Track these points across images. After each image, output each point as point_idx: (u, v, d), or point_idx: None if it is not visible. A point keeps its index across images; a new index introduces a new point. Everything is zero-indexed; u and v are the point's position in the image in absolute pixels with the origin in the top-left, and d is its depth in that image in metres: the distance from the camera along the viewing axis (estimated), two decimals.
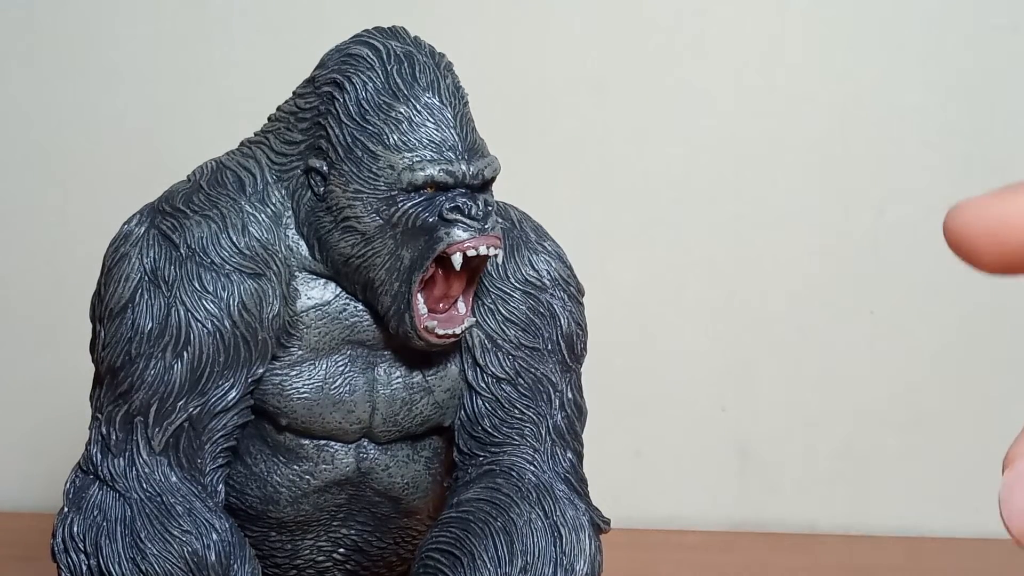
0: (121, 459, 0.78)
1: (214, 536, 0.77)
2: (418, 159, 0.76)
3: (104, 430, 0.79)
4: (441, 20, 1.20)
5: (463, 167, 0.76)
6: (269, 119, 0.82)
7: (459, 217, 0.76)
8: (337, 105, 0.77)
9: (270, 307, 0.79)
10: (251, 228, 0.79)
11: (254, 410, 0.80)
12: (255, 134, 0.82)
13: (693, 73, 1.25)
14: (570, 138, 1.26)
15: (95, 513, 0.78)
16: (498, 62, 1.23)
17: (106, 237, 0.81)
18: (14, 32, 1.26)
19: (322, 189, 0.78)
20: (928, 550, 1.24)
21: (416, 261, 0.77)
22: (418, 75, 0.77)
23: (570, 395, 0.84)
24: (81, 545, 0.78)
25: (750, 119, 1.25)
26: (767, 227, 1.26)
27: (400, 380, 0.81)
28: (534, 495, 0.80)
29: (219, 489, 0.81)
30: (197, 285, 0.78)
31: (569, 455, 0.83)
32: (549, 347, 0.83)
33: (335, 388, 0.80)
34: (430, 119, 0.76)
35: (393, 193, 0.77)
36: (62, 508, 0.79)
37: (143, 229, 0.79)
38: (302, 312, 0.80)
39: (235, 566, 0.78)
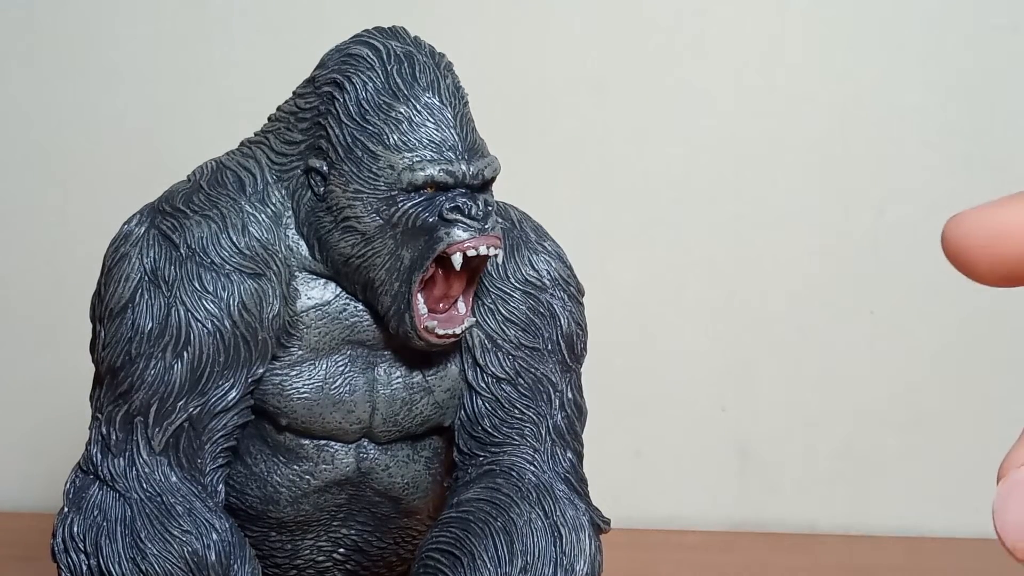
0: (121, 459, 0.78)
1: (214, 536, 0.77)
2: (418, 159, 0.76)
3: (104, 430, 0.79)
4: (441, 20, 1.20)
5: (463, 167, 0.76)
6: (269, 119, 0.82)
7: (459, 217, 0.76)
8: (337, 105, 0.77)
9: (270, 307, 0.79)
10: (251, 228, 0.79)
11: (254, 410, 0.80)
12: (255, 134, 0.82)
13: (693, 73, 1.25)
14: (570, 138, 1.26)
15: (95, 513, 0.78)
16: (498, 62, 1.23)
17: (106, 237, 0.81)
18: (14, 32, 1.26)
19: (322, 189, 0.78)
20: (928, 550, 1.24)
21: (416, 261, 0.77)
22: (418, 75, 0.77)
23: (570, 395, 0.84)
24: (81, 545, 0.78)
25: (750, 119, 1.25)
26: (767, 227, 1.26)
27: (400, 380, 0.81)
28: (534, 495, 0.80)
29: (219, 489, 0.81)
30: (197, 285, 0.78)
31: (569, 455, 0.83)
32: (549, 347, 0.83)
33: (335, 388, 0.80)
34: (430, 119, 0.76)
35: (393, 193, 0.77)
36: (62, 508, 0.79)
37: (143, 229, 0.79)
38: (302, 312, 0.80)
39: (235, 566, 0.78)
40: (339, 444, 0.81)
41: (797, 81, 1.25)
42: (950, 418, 1.27)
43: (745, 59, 1.25)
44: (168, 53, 1.26)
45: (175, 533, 0.77)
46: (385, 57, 0.77)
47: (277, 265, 0.79)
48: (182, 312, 0.78)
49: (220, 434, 0.79)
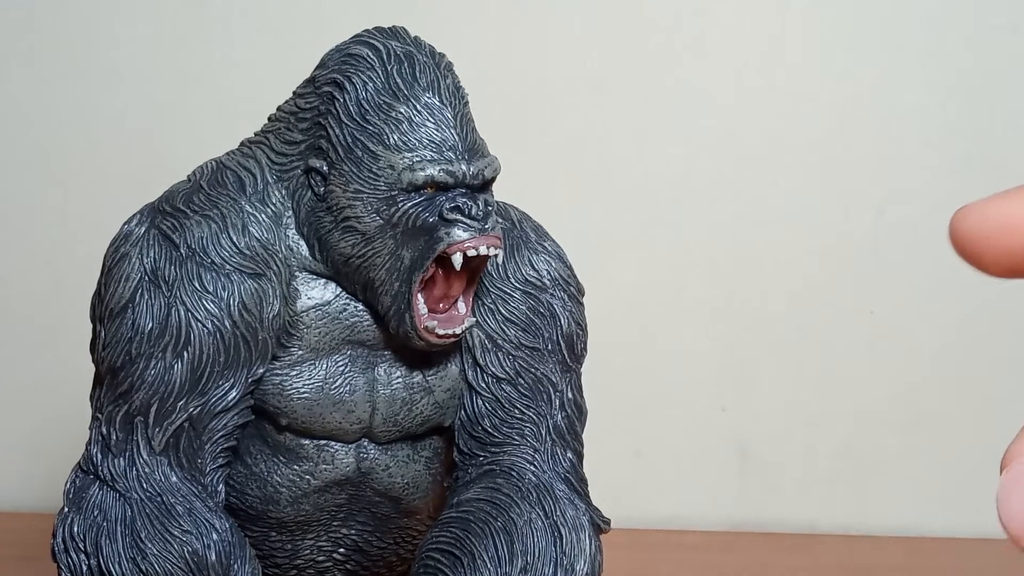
0: (121, 459, 0.78)
1: (214, 536, 0.77)
2: (418, 159, 0.76)
3: (104, 430, 0.79)
4: (441, 20, 1.20)
5: (463, 167, 0.76)
6: (269, 119, 0.82)
7: (459, 217, 0.76)
8: (337, 105, 0.77)
9: (270, 307, 0.79)
10: (251, 228, 0.79)
11: (254, 410, 0.80)
12: (255, 134, 0.82)
13: (693, 73, 1.25)
14: (570, 138, 1.26)
15: (95, 513, 0.78)
16: (498, 62, 1.23)
17: (106, 237, 0.81)
18: (14, 32, 1.26)
19: (322, 189, 0.78)
20: (928, 550, 1.24)
21: (416, 261, 0.77)
22: (418, 75, 0.77)
23: (570, 395, 0.84)
24: (81, 545, 0.78)
25: (750, 119, 1.25)
26: (767, 227, 1.26)
27: (400, 380, 0.81)
28: (534, 495, 0.80)
29: (219, 489, 0.81)
30: (197, 285, 0.78)
31: (569, 455, 0.83)
32: (549, 347, 0.83)
33: (335, 388, 0.80)
34: (430, 119, 0.76)
35: (393, 193, 0.77)
36: (62, 508, 0.79)
37: (143, 229, 0.79)
38: (302, 312, 0.80)
39: (235, 566, 0.78)
40: (339, 444, 0.81)
41: (797, 81, 1.25)
42: (950, 418, 1.27)
43: (745, 59, 1.25)
44: (168, 53, 1.26)
45: (175, 533, 0.77)
46: (385, 57, 0.77)
47: (277, 265, 0.79)
48: (182, 312, 0.78)
49: (220, 434, 0.80)
